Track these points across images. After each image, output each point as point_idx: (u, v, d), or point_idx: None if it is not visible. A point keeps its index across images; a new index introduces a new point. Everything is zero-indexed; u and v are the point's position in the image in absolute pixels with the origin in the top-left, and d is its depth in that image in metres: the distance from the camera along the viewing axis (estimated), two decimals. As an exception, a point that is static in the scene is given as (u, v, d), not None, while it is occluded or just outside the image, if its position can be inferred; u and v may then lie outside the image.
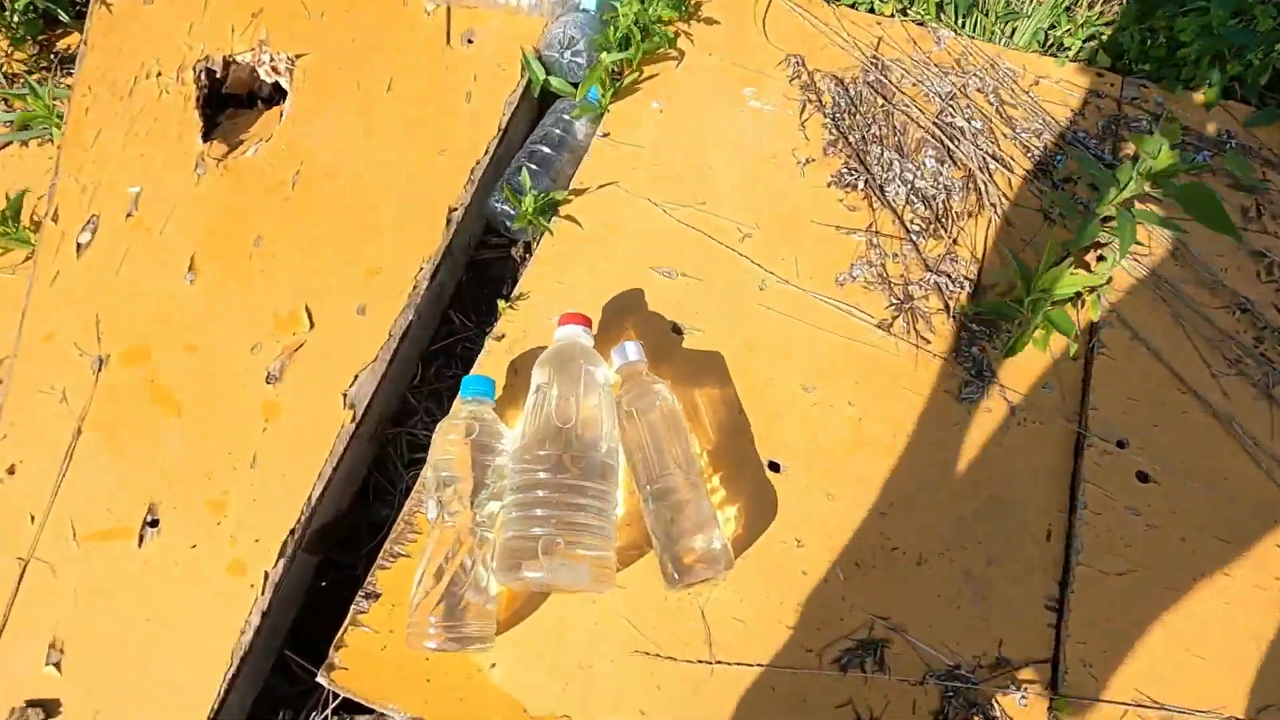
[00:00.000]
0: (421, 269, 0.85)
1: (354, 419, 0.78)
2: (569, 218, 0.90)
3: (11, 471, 0.75)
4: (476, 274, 0.99)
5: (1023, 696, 0.68)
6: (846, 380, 0.81)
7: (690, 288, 0.86)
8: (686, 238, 0.89)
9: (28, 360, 0.80)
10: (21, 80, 1.08)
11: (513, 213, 0.92)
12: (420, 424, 0.90)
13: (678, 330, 0.84)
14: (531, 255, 0.89)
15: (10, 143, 1.02)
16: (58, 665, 0.67)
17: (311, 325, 0.82)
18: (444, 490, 0.66)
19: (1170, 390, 0.82)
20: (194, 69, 0.98)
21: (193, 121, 0.95)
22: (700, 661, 0.69)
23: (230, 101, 1.05)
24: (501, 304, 0.84)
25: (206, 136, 0.94)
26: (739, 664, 0.68)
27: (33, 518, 0.73)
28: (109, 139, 0.93)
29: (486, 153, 0.93)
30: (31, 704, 0.65)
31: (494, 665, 0.68)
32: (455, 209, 0.89)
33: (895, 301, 0.86)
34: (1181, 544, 0.74)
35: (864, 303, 0.86)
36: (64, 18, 1.11)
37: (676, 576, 0.65)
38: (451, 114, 0.95)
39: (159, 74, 0.98)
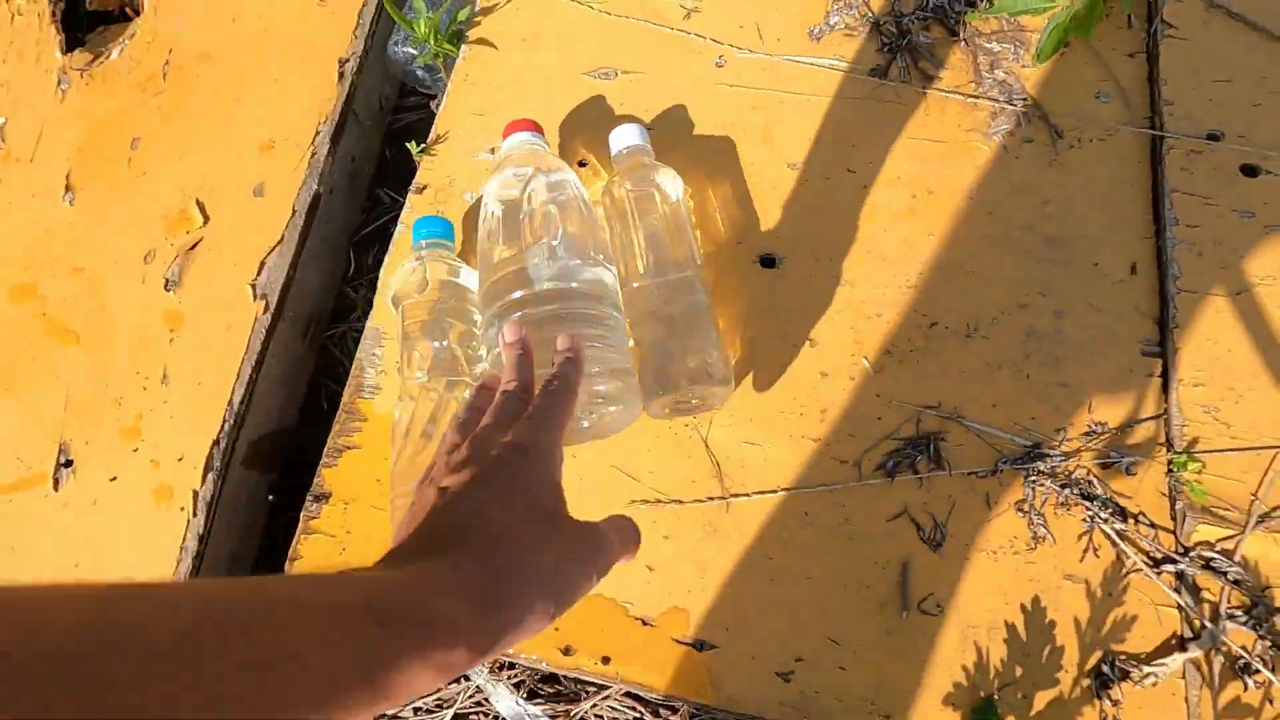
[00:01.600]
0: (318, 133, 0.72)
1: (267, 309, 0.66)
2: (480, 41, 0.75)
3: (-88, 438, 0.67)
4: (399, 144, 0.86)
5: (1131, 463, 0.52)
6: (842, 146, 0.65)
7: (634, 84, 0.70)
8: (620, 30, 0.73)
9: (-85, 321, 0.71)
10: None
11: (414, 52, 0.77)
12: (363, 316, 0.78)
13: (626, 134, 0.68)
14: (444, 94, 0.75)
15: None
16: (-11, 631, 0.59)
17: (205, 219, 0.70)
18: (419, 348, 0.54)
19: (1271, 59, 0.62)
20: (44, -17, 0.86)
21: (50, 38, 0.83)
22: (711, 499, 0.55)
23: (103, 20, 0.93)
24: (414, 149, 0.71)
25: (69, 49, 0.83)
26: (759, 493, 0.55)
27: (-59, 482, 0.65)
28: (-35, 76, 0.82)
29: (372, -10, 0.78)
30: (-34, 675, 0.58)
31: (474, 550, 0.57)
32: (346, 59, 0.75)
33: (887, 40, 0.68)
34: (1317, 242, 0.56)
35: (849, 52, 0.69)
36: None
37: (664, 397, 0.51)
38: (326, -42, 0.80)
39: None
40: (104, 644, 0.18)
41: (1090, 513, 0.51)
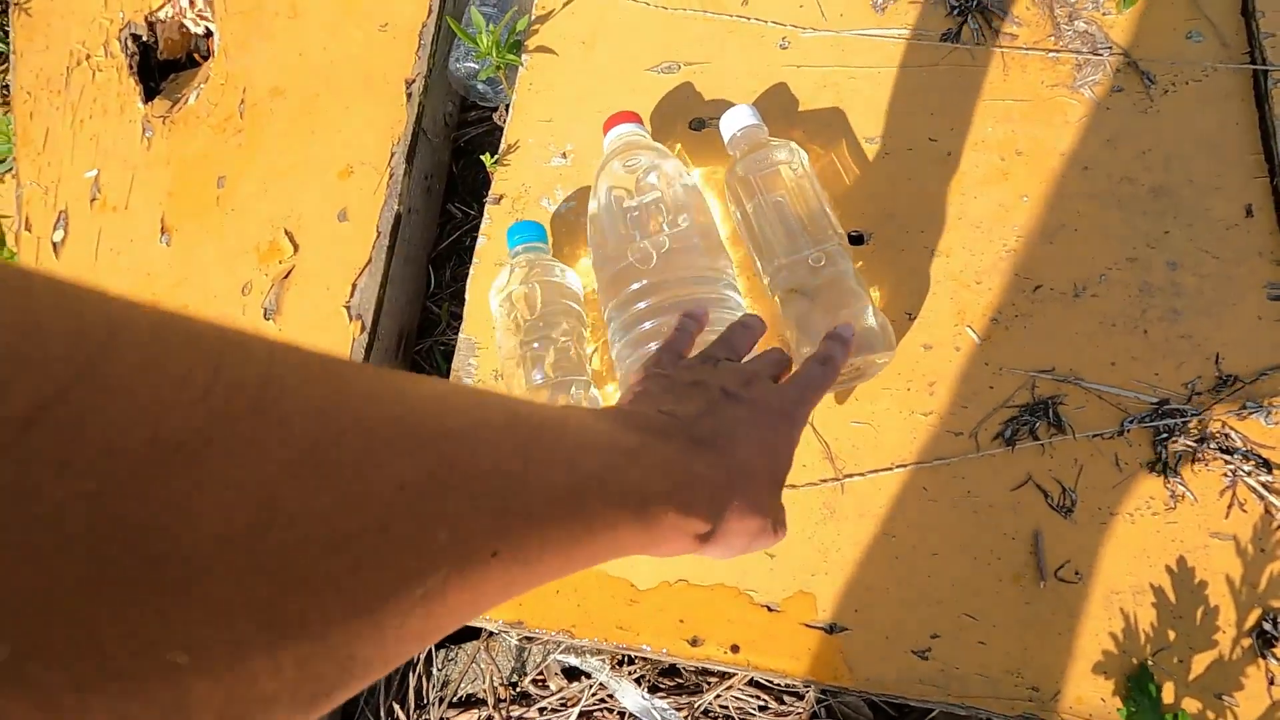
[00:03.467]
0: (393, 154, 0.74)
1: (363, 329, 0.68)
2: (541, 49, 0.75)
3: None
4: (467, 159, 0.87)
5: (1269, 413, 0.50)
6: (920, 116, 0.64)
7: (699, 75, 0.70)
8: (679, 23, 0.73)
9: (37, 369, 0.75)
10: (-20, 120, 1.04)
11: (476, 66, 0.79)
12: (449, 329, 0.80)
13: (699, 124, 0.68)
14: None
15: (-13, 183, 0.99)
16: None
17: (295, 248, 0.73)
18: (533, 350, 0.56)
19: (1376, -21, 0.59)
20: (119, 39, 0.90)
21: (130, 90, 0.87)
22: (824, 481, 0.55)
23: (174, 68, 0.97)
24: (488, 161, 0.72)
25: (148, 99, 0.86)
26: (874, 472, 0.54)
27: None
28: (58, 134, 0.87)
29: (430, 11, 0.80)
30: None
31: (587, 549, 0.58)
32: (413, 80, 0.77)
33: (956, 4, 0.67)
34: None
35: (916, 20, 0.67)
36: (1, 47, 1.07)
37: None
38: (382, -16, 0.82)
39: (88, 56, 0.91)
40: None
41: (1231, 467, 0.49)
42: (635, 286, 0.53)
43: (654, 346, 0.50)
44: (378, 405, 0.18)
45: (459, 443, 0.20)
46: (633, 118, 0.61)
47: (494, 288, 0.59)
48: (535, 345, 0.55)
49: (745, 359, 0.41)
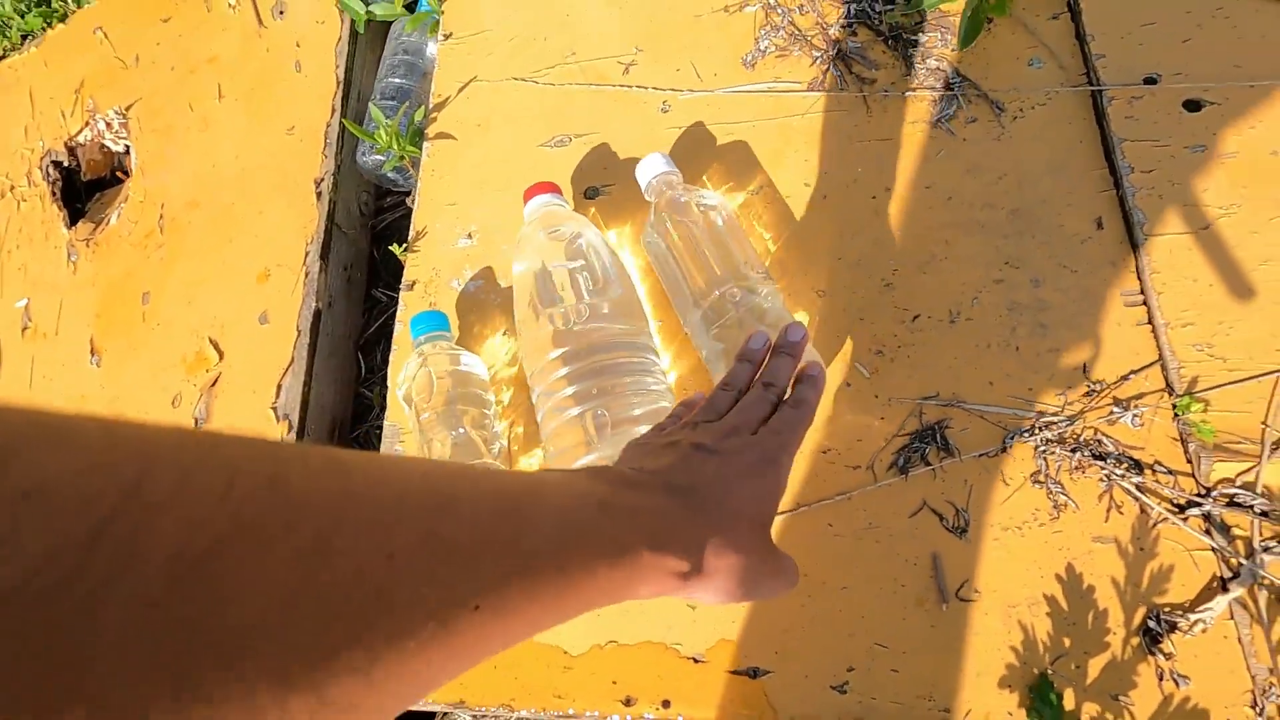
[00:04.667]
0: (308, 253, 0.77)
1: (290, 428, 0.70)
2: (440, 135, 0.79)
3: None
4: (384, 244, 0.90)
5: (1135, 415, 0.53)
6: (795, 163, 0.67)
7: (588, 145, 0.74)
8: (566, 98, 0.77)
9: (-20, 503, 0.77)
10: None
11: (381, 158, 0.82)
12: (382, 413, 0.81)
13: (593, 193, 0.72)
14: (417, 191, 0.79)
15: (-74, 318, 1.01)
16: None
17: (220, 355, 0.75)
18: (437, 440, 0.58)
19: (1190, -6, 0.63)
20: (40, 168, 0.93)
21: (55, 216, 0.90)
22: (737, 528, 0.57)
23: (100, 186, 1.00)
24: (398, 250, 0.75)
25: (74, 221, 0.89)
26: (782, 513, 0.57)
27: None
28: (-14, 268, 0.89)
29: (334, 111, 0.83)
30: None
31: (524, 620, 0.59)
32: (321, 179, 0.80)
33: (819, 53, 0.71)
34: (1274, 159, 0.57)
35: (784, 72, 0.71)
36: (-69, 184, 1.09)
37: None
38: (287, 89, 0.86)
39: (12, 188, 0.93)
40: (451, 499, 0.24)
41: (1105, 471, 0.52)
42: (558, 353, 0.55)
43: (574, 412, 0.53)
44: (372, 488, 0.22)
45: (443, 515, 0.23)
46: (551, 188, 0.64)
47: (398, 381, 0.62)
48: (433, 436, 0.57)
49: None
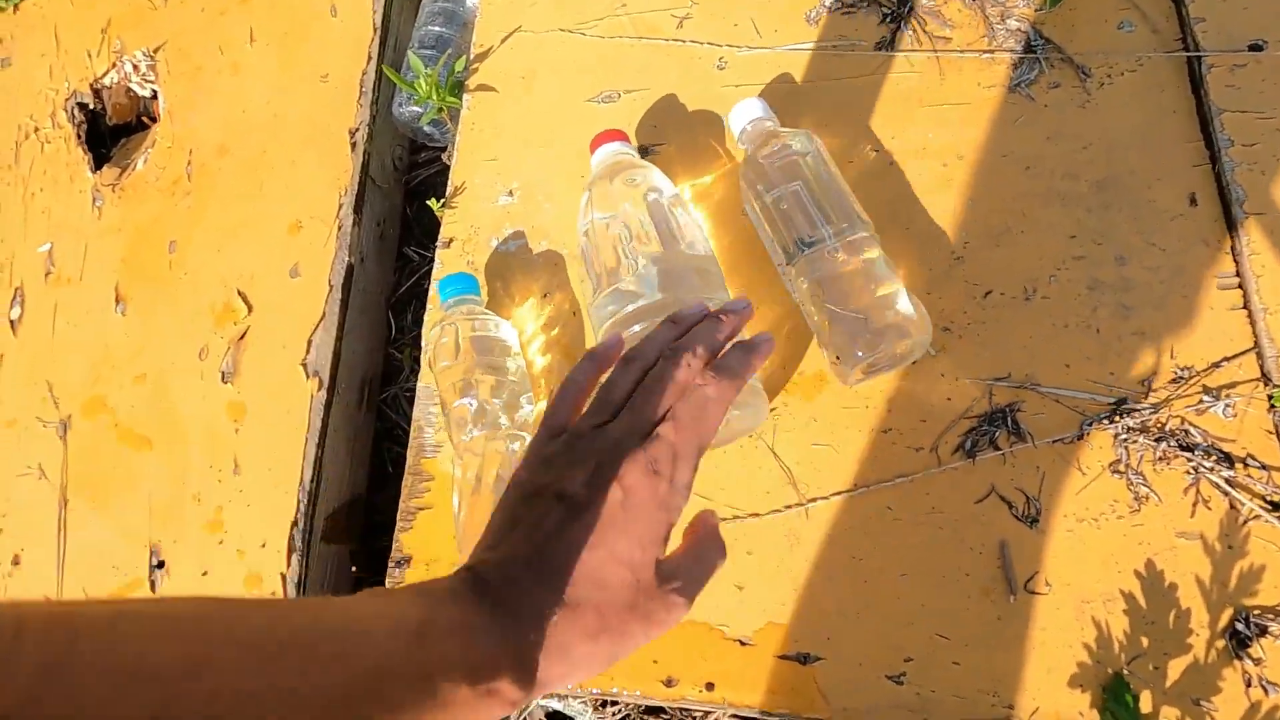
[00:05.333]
0: (341, 205, 0.74)
1: (321, 385, 0.67)
2: (481, 88, 0.75)
3: (16, 562, 0.70)
4: (419, 201, 0.87)
5: (1227, 404, 0.49)
6: (861, 126, 0.63)
7: (638, 102, 0.70)
8: (616, 52, 0.73)
9: (1, 449, 0.75)
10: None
11: (419, 110, 0.78)
12: (412, 375, 0.79)
13: (642, 152, 0.68)
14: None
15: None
16: (114, 737, 0.61)
17: (250, 308, 0.72)
18: (460, 407, 0.55)
19: (1302, -45, 0.58)
20: (65, 108, 0.90)
21: (79, 159, 0.87)
22: (789, 508, 0.54)
23: (125, 132, 0.97)
24: (435, 206, 0.71)
25: (97, 167, 0.86)
26: (837, 494, 0.54)
27: (48, 600, 0.67)
28: (10, 210, 0.87)
29: (370, 58, 0.80)
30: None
31: (559, 593, 0.57)
32: (356, 129, 0.77)
33: (888, 10, 0.67)
34: (1390, 137, 0.53)
35: (850, 30, 0.67)
36: (-46, 124, 1.06)
37: (860, 354, 0.49)
38: (321, 34, 0.82)
39: (36, 129, 0.90)
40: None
41: (1193, 464, 0.48)
42: (631, 308, 0.52)
43: None
44: (100, 655, 0.21)
45: (191, 677, 0.21)
46: (620, 135, 0.61)
47: (425, 344, 0.59)
48: (461, 402, 0.55)
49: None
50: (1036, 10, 0.63)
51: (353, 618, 0.27)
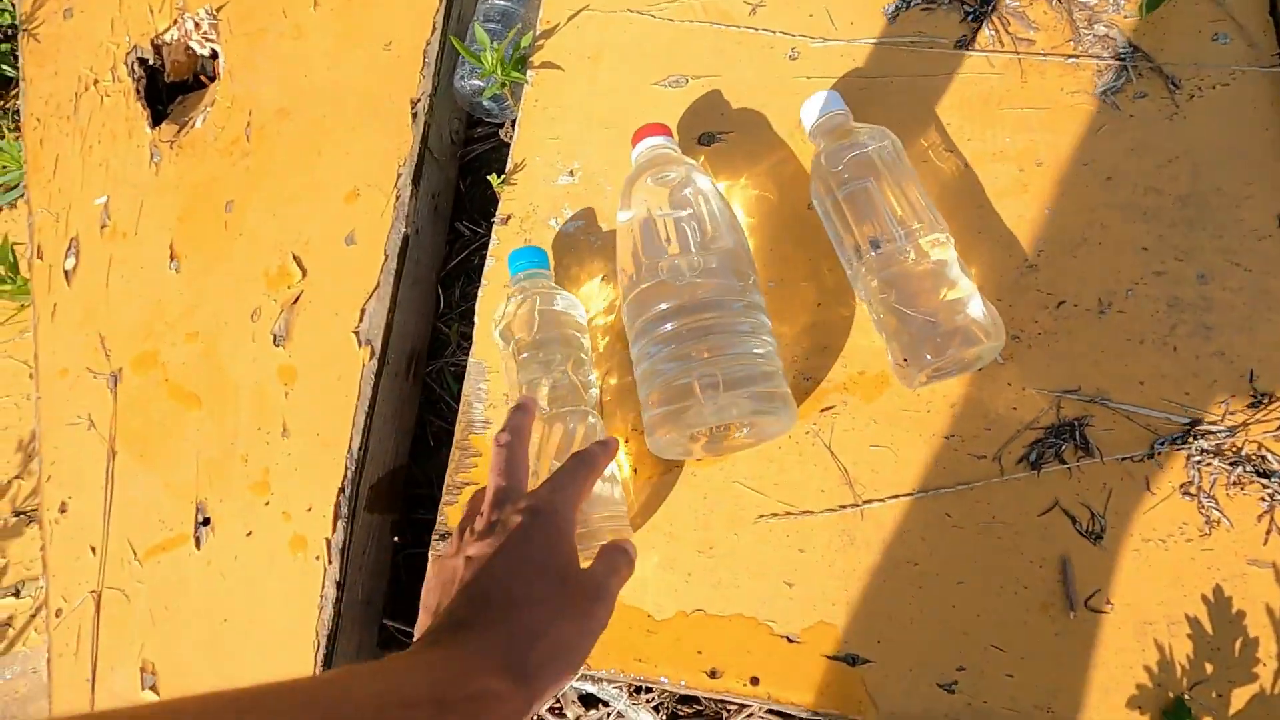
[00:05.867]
0: (399, 175, 0.73)
1: (373, 354, 0.67)
2: (546, 65, 0.74)
3: (64, 509, 0.71)
4: (474, 176, 0.87)
5: (1308, 433, 0.48)
6: (937, 126, 0.62)
7: (705, 89, 0.69)
8: (685, 36, 0.72)
9: (51, 399, 0.76)
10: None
11: (481, 84, 0.78)
12: (459, 350, 0.79)
13: (708, 139, 0.67)
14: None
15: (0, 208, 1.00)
16: (154, 688, 0.62)
17: (304, 272, 0.72)
18: (532, 382, 0.55)
19: None
20: (126, 63, 0.90)
21: (138, 114, 0.87)
22: (844, 507, 0.54)
23: (181, 90, 0.97)
24: (495, 181, 0.71)
25: (156, 123, 0.86)
26: (895, 497, 0.53)
27: (93, 549, 0.68)
28: (67, 161, 0.87)
29: (434, 29, 0.79)
30: (138, 732, 0.61)
31: (602, 577, 0.57)
32: (418, 100, 0.76)
33: (970, 9, 0.65)
34: None
35: (930, 27, 0.66)
36: (11, 73, 1.07)
37: (929, 358, 0.48)
38: (385, 2, 0.82)
39: (96, 81, 0.91)
40: None
41: (1269, 490, 0.47)
42: (663, 307, 0.51)
43: (678, 372, 0.49)
44: None
45: None
46: (662, 130, 0.60)
47: (494, 318, 0.59)
48: (531, 377, 0.54)
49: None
50: (1126, 17, 0.61)
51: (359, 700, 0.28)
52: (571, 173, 0.70)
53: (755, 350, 0.51)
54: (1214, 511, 0.48)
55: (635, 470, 0.58)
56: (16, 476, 0.84)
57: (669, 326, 0.51)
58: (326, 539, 0.62)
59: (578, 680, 0.64)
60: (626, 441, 0.59)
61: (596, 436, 0.54)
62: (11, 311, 0.92)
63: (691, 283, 0.51)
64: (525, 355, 0.56)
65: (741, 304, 0.52)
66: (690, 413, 0.49)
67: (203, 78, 0.97)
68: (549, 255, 0.66)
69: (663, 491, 0.57)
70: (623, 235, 0.57)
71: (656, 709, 0.61)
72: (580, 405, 0.55)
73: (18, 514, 0.83)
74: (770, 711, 0.59)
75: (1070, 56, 0.61)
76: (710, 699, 0.62)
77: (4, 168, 0.97)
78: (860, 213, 0.54)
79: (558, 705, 0.64)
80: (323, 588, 0.61)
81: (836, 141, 0.56)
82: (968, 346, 0.49)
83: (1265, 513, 0.47)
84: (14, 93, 1.10)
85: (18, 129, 1.07)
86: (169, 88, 0.95)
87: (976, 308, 0.50)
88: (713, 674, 0.52)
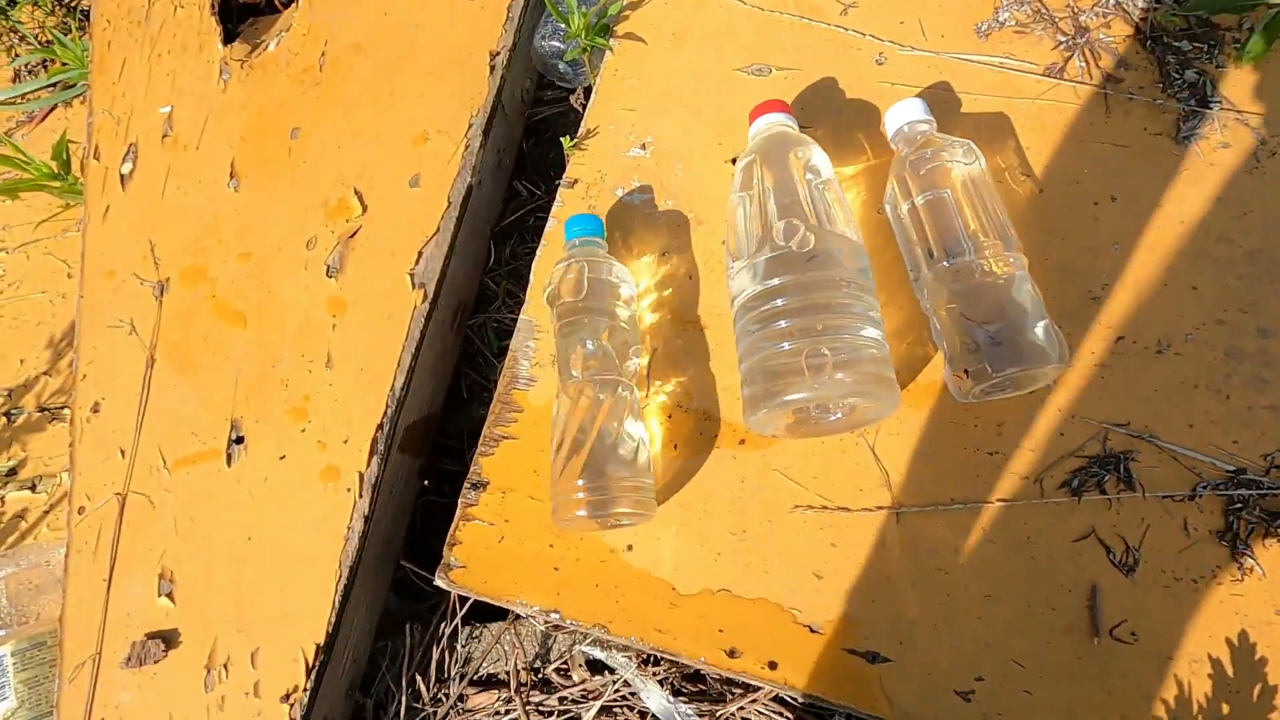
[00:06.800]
0: (471, 125, 0.73)
1: (425, 298, 0.68)
2: (630, 36, 0.74)
3: (96, 410, 0.71)
4: (538, 137, 0.87)
5: (1351, 496, 0.49)
6: (1016, 149, 0.62)
7: (790, 81, 0.69)
8: (773, 25, 0.72)
9: (94, 299, 0.76)
10: (54, 42, 1.04)
11: (561, 46, 0.78)
12: (504, 307, 0.79)
13: (783, 132, 0.67)
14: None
15: (56, 105, 0.99)
16: (170, 596, 0.63)
17: (364, 208, 0.72)
18: (573, 348, 0.55)
19: None
20: (204, -23, 0.90)
21: (211, 29, 0.87)
22: (880, 509, 0.54)
23: (252, 12, 0.96)
24: (567, 144, 0.71)
25: (227, 41, 0.86)
26: (932, 505, 0.54)
27: (123, 452, 0.68)
28: (134, 66, 0.87)
29: (522, -16, 0.79)
30: (151, 636, 0.61)
31: (630, 547, 0.57)
32: (497, 53, 0.76)
33: (1064, 38, 0.65)
34: None
35: (1021, 50, 0.66)
36: (82, -28, 1.06)
37: (991, 371, 0.49)
38: (476, -48, 0.81)
39: (171, -9, 0.90)
40: None
41: (1305, 546, 0.48)
42: (779, 280, 0.51)
43: (788, 347, 0.49)
44: None
45: None
46: (784, 107, 0.60)
47: (547, 281, 0.59)
48: (574, 341, 0.55)
49: None
50: (1219, 67, 0.62)
51: None
52: (644, 146, 0.70)
53: (865, 332, 0.50)
54: (1248, 560, 0.49)
55: (676, 447, 0.59)
56: (45, 373, 0.84)
57: (781, 302, 0.50)
58: (360, 473, 0.63)
59: (587, 645, 0.65)
60: (670, 417, 0.60)
61: (626, 408, 0.55)
62: (56, 209, 0.92)
63: (811, 259, 0.51)
64: (567, 320, 0.56)
65: (856, 287, 0.52)
66: (794, 388, 0.48)
67: (276, 3, 0.97)
68: (607, 224, 0.66)
69: (699, 470, 0.57)
70: (741, 206, 0.56)
71: (662, 682, 0.62)
72: (612, 374, 0.55)
73: (42, 409, 0.83)
74: (774, 699, 0.60)
75: (1157, 98, 0.62)
76: (716, 679, 0.62)
77: (65, 64, 0.97)
78: (937, 222, 0.54)
79: (564, 667, 0.65)
80: (350, 519, 0.62)
81: (920, 149, 0.57)
82: (1030, 367, 0.49)
83: (1299, 567, 0.48)
84: (81, -8, 1.09)
85: (83, 29, 1.07)
86: (240, 8, 0.94)
87: (1044, 329, 0.50)
88: (732, 653, 0.53)
